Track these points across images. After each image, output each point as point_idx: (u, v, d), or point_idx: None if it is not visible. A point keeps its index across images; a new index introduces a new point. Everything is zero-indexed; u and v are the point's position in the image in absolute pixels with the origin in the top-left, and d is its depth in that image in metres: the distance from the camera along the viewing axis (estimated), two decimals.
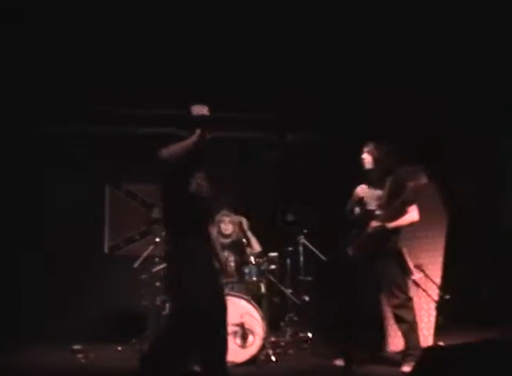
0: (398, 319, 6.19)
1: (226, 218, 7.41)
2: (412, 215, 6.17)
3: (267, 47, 7.15)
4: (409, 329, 6.15)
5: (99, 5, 6.58)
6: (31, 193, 8.36)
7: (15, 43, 6.91)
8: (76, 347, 7.18)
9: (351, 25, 6.94)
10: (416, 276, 6.33)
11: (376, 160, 6.20)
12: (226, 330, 5.00)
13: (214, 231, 5.38)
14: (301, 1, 6.71)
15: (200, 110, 4.95)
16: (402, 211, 6.13)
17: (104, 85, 7.54)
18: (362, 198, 6.30)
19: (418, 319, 6.39)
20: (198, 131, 4.77)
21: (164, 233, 5.21)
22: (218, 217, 7.39)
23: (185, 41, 7.04)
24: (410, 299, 6.20)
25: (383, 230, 6.08)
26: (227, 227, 7.39)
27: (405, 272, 6.25)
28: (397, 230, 6.18)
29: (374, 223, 6.10)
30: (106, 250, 8.81)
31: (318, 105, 7.91)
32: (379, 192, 6.19)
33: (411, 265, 6.31)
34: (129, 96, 7.72)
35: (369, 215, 6.19)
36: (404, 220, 6.15)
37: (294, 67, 7.40)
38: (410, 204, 6.12)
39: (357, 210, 6.34)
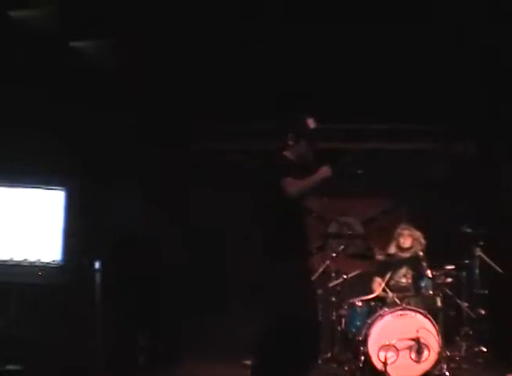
0: None
1: (406, 232, 7.45)
2: None
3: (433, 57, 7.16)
4: None
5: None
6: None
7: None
8: (247, 362, 6.93)
9: None
10: None
11: None
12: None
13: None
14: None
15: (313, 123, 4.78)
16: None
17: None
18: None
19: None
20: (326, 168, 4.62)
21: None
22: (397, 231, 7.49)
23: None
24: None
25: None
26: (406, 241, 7.40)
27: None
28: None
29: None
30: None
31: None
32: None
33: None
34: None
35: None
36: None
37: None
38: None
39: None
